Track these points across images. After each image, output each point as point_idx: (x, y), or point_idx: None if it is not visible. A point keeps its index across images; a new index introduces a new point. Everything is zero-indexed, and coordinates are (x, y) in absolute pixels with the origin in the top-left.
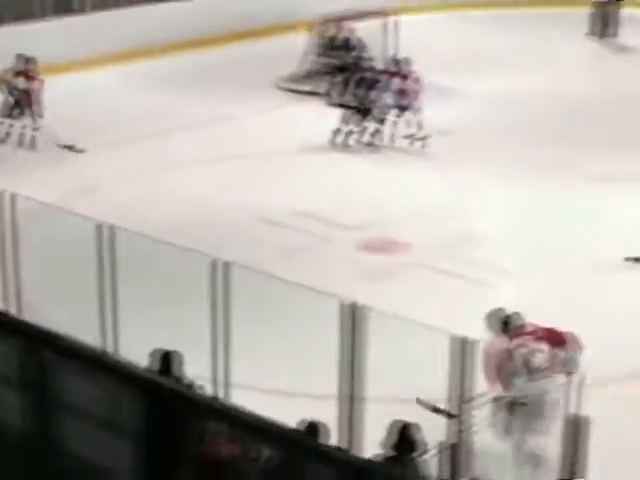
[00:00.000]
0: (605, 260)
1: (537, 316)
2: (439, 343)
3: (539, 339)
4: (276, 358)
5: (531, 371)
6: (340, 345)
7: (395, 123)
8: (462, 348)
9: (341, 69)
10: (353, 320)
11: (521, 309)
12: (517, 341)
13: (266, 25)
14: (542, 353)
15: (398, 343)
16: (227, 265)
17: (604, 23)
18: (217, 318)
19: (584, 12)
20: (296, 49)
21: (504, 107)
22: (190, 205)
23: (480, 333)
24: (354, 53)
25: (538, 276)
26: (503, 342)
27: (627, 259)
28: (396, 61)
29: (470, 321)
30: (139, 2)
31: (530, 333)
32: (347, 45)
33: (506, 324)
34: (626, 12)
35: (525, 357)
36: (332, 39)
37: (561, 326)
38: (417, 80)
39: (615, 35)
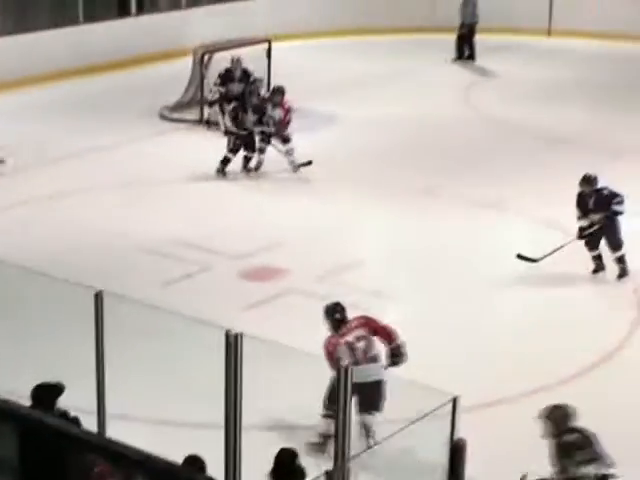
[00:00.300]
0: (479, 282)
1: (417, 338)
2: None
3: (362, 329)
4: (156, 388)
5: (356, 358)
6: (225, 374)
7: (279, 151)
8: (340, 374)
9: (235, 98)
10: (235, 348)
11: (399, 330)
12: (344, 332)
13: (149, 53)
14: (365, 341)
15: (280, 369)
16: (100, 295)
17: (465, 49)
18: (100, 349)
19: (450, 38)
20: (179, 77)
21: (376, 133)
22: (71, 234)
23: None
24: (250, 81)
25: (416, 299)
26: (335, 336)
27: (519, 256)
28: (274, 90)
29: None
30: (19, 31)
31: (356, 326)
32: (245, 75)
33: (338, 319)
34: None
35: (351, 346)
36: (229, 70)
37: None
38: (289, 109)
39: (474, 60)
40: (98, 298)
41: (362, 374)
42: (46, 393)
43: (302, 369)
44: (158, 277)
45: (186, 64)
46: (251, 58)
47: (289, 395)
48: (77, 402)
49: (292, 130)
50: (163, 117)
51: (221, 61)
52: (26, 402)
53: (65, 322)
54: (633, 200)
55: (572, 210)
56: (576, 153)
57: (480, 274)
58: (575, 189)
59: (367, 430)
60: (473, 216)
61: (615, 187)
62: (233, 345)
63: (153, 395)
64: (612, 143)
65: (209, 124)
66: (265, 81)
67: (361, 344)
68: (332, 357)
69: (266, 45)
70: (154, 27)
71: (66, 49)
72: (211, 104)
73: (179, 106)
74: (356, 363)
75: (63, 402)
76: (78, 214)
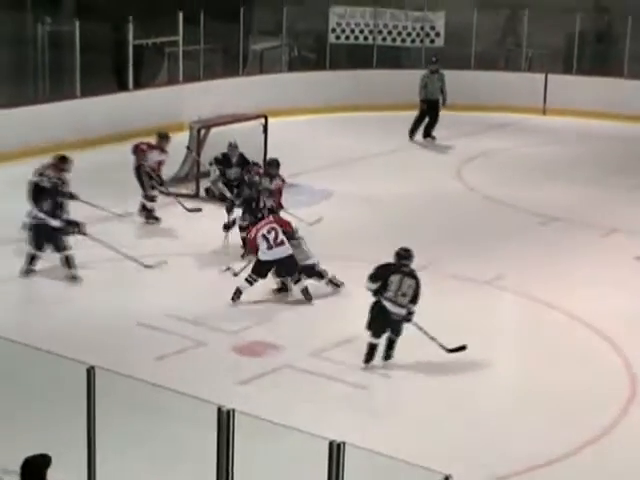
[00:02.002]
0: (476, 359)
1: (414, 414)
2: (316, 446)
3: (273, 223)
4: (147, 464)
5: (270, 244)
6: (217, 450)
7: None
8: (333, 452)
9: (232, 183)
10: (227, 425)
11: (397, 409)
12: (259, 226)
13: (146, 127)
14: (275, 230)
15: (273, 447)
16: (92, 370)
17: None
18: (91, 424)
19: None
20: (175, 152)
21: (370, 209)
22: (65, 309)
23: (356, 436)
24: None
25: (412, 375)
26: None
27: (450, 350)
28: (269, 162)
29: (345, 423)
30: (17, 104)
31: (267, 222)
32: (242, 160)
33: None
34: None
35: (264, 235)
36: (225, 155)
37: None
38: (282, 183)
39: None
40: (90, 373)
41: (276, 254)
42: (34, 465)
43: (295, 446)
44: (152, 352)
45: (182, 139)
46: (246, 133)
47: (282, 473)
48: (68, 477)
49: (285, 202)
50: (160, 192)
51: (217, 136)
52: (15, 478)
53: (58, 398)
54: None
55: (569, 287)
56: (571, 230)
57: (476, 351)
58: (572, 266)
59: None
60: (469, 293)
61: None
62: (225, 421)
63: (144, 470)
64: (607, 220)
65: (208, 194)
66: (262, 158)
67: (272, 234)
68: (252, 244)
69: (262, 120)
70: (151, 102)
71: (63, 122)
72: (213, 184)
73: (175, 180)
74: (270, 247)
75: (53, 476)
76: (71, 288)
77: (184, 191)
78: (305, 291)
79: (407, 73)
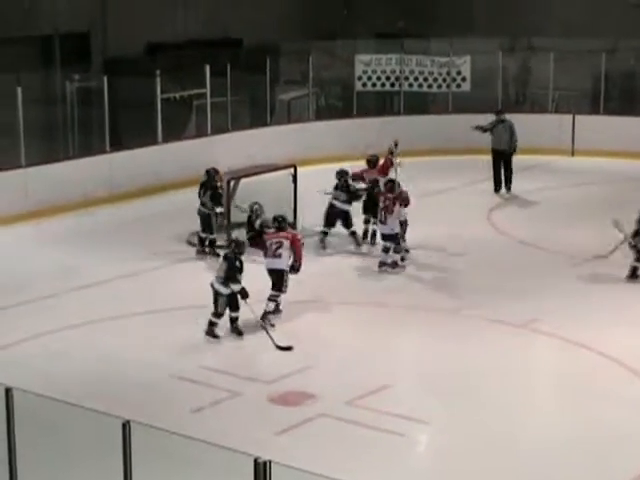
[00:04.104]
0: (513, 403)
1: (451, 464)
2: None
3: (283, 238)
4: None
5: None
6: None
7: None
8: None
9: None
10: (264, 476)
11: (436, 457)
12: (273, 235)
13: (176, 179)
14: (278, 244)
15: None
16: (128, 425)
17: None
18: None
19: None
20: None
21: None
22: (102, 363)
23: None
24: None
25: (447, 423)
26: (269, 234)
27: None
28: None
29: (383, 472)
30: (49, 161)
31: (282, 236)
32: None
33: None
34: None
35: (269, 245)
36: (250, 217)
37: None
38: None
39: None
40: (126, 428)
41: (269, 264)
42: None
43: None
44: (187, 404)
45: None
46: (276, 183)
47: None
48: None
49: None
50: (190, 243)
51: (247, 186)
52: None
53: (93, 454)
54: None
55: (604, 330)
56: (604, 271)
57: (513, 396)
58: (606, 307)
59: (265, 312)
60: (504, 337)
61: None
62: (262, 473)
63: None
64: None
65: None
66: (292, 207)
67: (274, 246)
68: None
69: (292, 170)
70: (180, 154)
71: (94, 177)
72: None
73: None
74: (268, 256)
75: None
76: (107, 342)
77: (219, 242)
78: (265, 316)
79: (435, 119)
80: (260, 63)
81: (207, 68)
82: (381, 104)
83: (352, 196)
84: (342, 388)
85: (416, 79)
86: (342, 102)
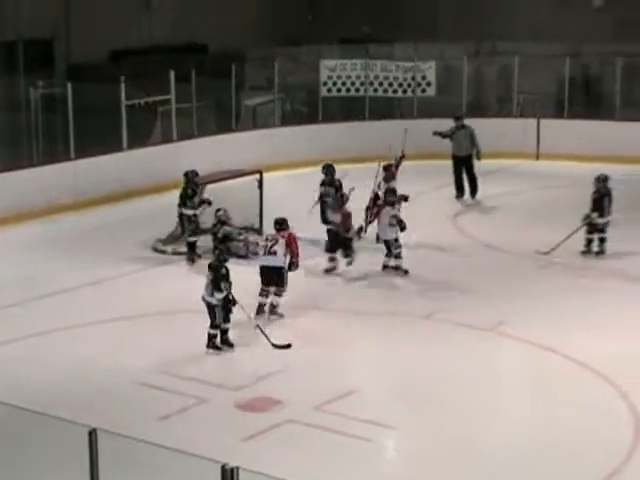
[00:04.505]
0: (479, 407)
1: (419, 467)
2: None
3: (280, 237)
4: None
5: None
6: None
7: None
8: None
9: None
10: None
11: (403, 463)
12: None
13: (141, 186)
14: (273, 242)
15: None
16: (94, 433)
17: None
18: None
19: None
20: (172, 210)
21: (369, 258)
22: (68, 371)
23: None
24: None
25: (415, 427)
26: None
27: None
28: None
29: (351, 478)
30: (12, 168)
31: (280, 235)
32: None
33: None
34: None
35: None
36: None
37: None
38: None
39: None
40: (92, 436)
41: (263, 261)
42: None
43: None
44: (154, 411)
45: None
46: (242, 189)
47: None
48: None
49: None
50: (156, 250)
51: (213, 192)
52: None
53: (59, 461)
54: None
55: (570, 333)
56: (570, 273)
57: (480, 400)
58: (573, 309)
59: (272, 306)
60: (471, 341)
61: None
62: (229, 479)
63: None
64: (604, 262)
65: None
66: (258, 213)
67: (269, 243)
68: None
69: (257, 176)
70: (145, 160)
71: (59, 184)
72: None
73: (172, 239)
74: (263, 253)
75: None
76: (72, 350)
77: (181, 249)
78: (273, 309)
79: (400, 123)
80: (225, 69)
81: (172, 74)
82: (346, 109)
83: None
84: (309, 394)
85: (381, 84)
86: (307, 107)
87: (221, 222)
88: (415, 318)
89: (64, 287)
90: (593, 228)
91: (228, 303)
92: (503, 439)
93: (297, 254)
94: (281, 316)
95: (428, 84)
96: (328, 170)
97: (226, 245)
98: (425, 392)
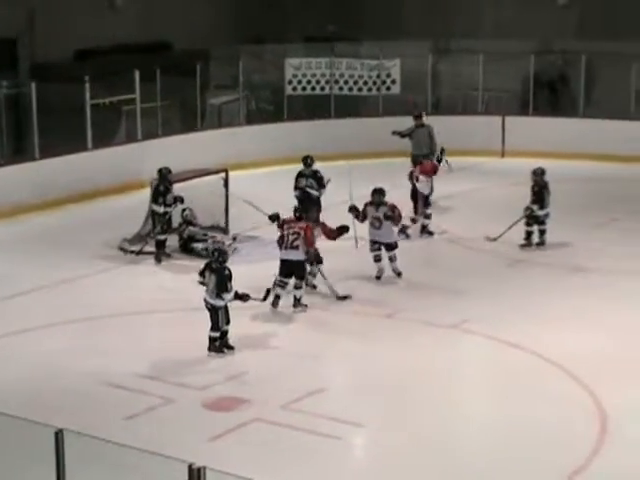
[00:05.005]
0: (443, 404)
1: (388, 464)
2: None
3: (298, 229)
4: None
5: (285, 244)
6: None
7: None
8: None
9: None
10: None
11: (372, 460)
12: (289, 226)
13: (107, 186)
14: (294, 236)
15: None
16: (60, 433)
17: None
18: None
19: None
20: (138, 209)
21: (334, 258)
22: (35, 371)
23: None
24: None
25: (382, 424)
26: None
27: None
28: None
29: (320, 476)
30: None
31: (299, 226)
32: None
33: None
34: None
35: (283, 237)
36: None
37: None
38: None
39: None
40: (58, 436)
41: (284, 254)
42: None
43: None
44: (121, 412)
45: (144, 196)
46: (208, 188)
47: None
48: None
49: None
50: (122, 250)
51: (178, 192)
52: None
53: (27, 462)
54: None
55: (535, 329)
56: (537, 270)
57: (446, 397)
58: (540, 306)
59: (295, 299)
60: (436, 339)
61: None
62: (196, 479)
63: None
64: (572, 259)
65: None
66: (223, 213)
67: (291, 237)
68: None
69: (223, 175)
70: (111, 160)
71: (24, 184)
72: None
73: (138, 238)
74: (284, 247)
75: None
76: (39, 350)
77: (148, 249)
78: (297, 302)
79: (366, 122)
80: (191, 67)
81: (137, 73)
82: (312, 108)
83: (320, 183)
84: (277, 392)
85: (346, 82)
86: (273, 106)
87: (186, 222)
88: (379, 317)
89: (30, 288)
90: (534, 220)
91: (241, 298)
92: (471, 435)
93: (311, 244)
94: (305, 308)
95: (393, 82)
96: (307, 161)
97: (191, 245)
98: (393, 390)
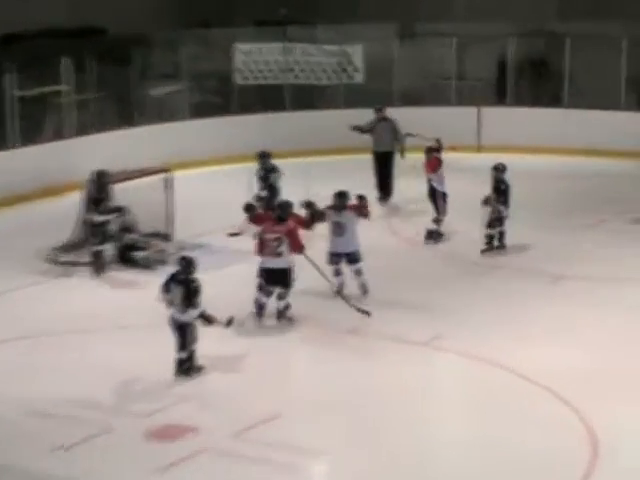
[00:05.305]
0: (418, 429)
1: None
2: None
3: (281, 233)
4: None
5: (268, 251)
6: None
7: None
8: None
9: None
10: None
11: None
12: (270, 229)
13: (29, 189)
14: (278, 242)
15: None
16: None
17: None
18: None
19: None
20: (65, 215)
21: None
22: None
23: None
24: None
25: (345, 451)
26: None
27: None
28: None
29: None
30: None
31: (279, 229)
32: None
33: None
34: None
35: (266, 243)
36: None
37: None
38: None
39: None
40: None
41: (269, 263)
42: None
43: None
44: (52, 442)
45: (74, 200)
46: (148, 191)
47: None
48: None
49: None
50: (52, 261)
51: (116, 194)
52: None
53: None
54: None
55: (510, 345)
56: (515, 279)
57: (415, 420)
58: (518, 319)
59: (279, 311)
60: (406, 356)
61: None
62: None
63: None
64: (554, 265)
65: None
66: (165, 218)
67: (273, 243)
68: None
69: (165, 175)
70: (37, 160)
71: None
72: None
73: (69, 247)
74: (265, 254)
75: None
76: None
77: (79, 259)
78: (281, 315)
79: (325, 114)
80: (127, 55)
81: (67, 61)
82: (264, 99)
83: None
84: (228, 419)
85: (302, 70)
86: (220, 97)
87: (125, 229)
88: (343, 333)
89: None
90: (499, 222)
91: (207, 320)
92: (448, 460)
93: (300, 247)
94: (292, 321)
95: (355, 70)
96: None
97: (129, 255)
98: (357, 413)
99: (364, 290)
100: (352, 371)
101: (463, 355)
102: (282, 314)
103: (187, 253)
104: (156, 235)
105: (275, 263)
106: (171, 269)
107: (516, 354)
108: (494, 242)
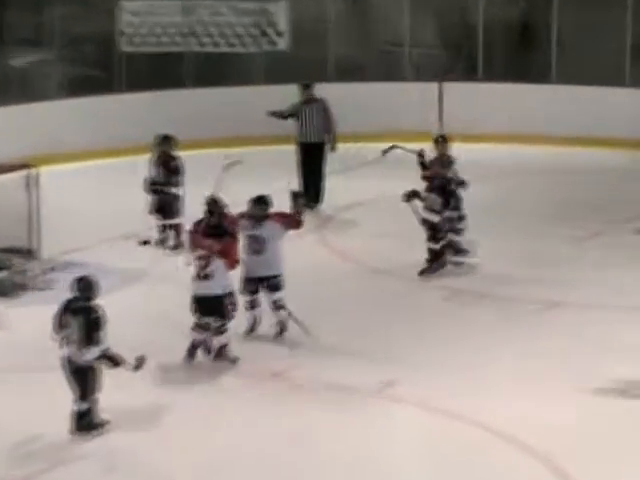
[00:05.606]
0: None
1: None
2: None
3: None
4: None
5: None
6: None
7: None
8: None
9: None
10: None
11: None
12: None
13: None
14: (204, 260)
15: None
16: None
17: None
18: None
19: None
20: None
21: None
22: None
23: None
24: None
25: None
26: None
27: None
28: None
29: None
30: None
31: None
32: None
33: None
34: None
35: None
36: None
37: None
38: None
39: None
40: None
41: (195, 288)
42: None
43: None
44: None
45: None
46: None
47: None
48: None
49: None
50: None
51: None
52: None
53: None
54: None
55: (480, 394)
56: (487, 306)
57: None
58: (489, 359)
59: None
60: (351, 410)
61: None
62: None
63: None
64: (538, 289)
65: None
66: (26, 227)
67: (201, 262)
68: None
69: (26, 172)
70: None
71: None
72: None
73: None
74: (195, 277)
75: None
76: None
77: None
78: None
79: (239, 91)
80: None
81: None
82: (158, 72)
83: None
84: None
85: (209, 35)
86: (101, 70)
87: None
88: (265, 378)
89: None
90: (446, 232)
91: (111, 360)
92: None
93: (233, 262)
94: (234, 361)
95: (278, 34)
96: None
97: None
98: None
99: (281, 328)
100: (285, 431)
101: (419, 405)
102: (219, 353)
103: (83, 273)
104: (16, 251)
105: (205, 288)
106: (63, 295)
107: (483, 404)
108: (445, 258)
